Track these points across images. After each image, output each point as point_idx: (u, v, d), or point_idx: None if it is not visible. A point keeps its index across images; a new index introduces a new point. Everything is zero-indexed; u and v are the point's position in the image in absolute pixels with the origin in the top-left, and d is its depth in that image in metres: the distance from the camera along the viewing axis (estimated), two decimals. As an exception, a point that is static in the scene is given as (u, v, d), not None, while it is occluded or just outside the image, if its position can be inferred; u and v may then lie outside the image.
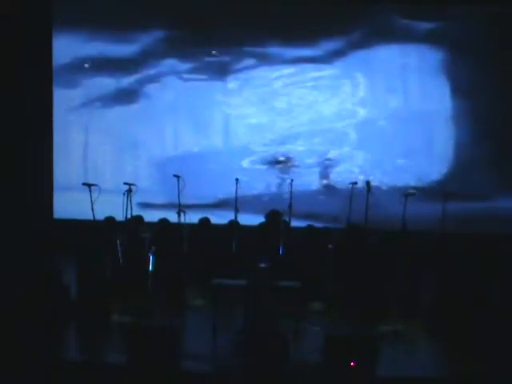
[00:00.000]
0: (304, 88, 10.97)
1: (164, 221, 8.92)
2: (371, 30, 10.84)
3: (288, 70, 10.95)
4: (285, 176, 10.60)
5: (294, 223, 9.50)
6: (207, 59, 11.03)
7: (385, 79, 10.95)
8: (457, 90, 10.86)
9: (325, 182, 10.95)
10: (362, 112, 11.04)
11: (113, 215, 8.69)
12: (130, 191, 8.55)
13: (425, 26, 10.84)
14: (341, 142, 11.01)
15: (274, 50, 10.92)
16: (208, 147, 11.07)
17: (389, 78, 10.95)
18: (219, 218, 9.51)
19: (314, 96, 10.98)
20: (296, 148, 10.99)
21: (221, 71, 11.01)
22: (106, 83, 11.12)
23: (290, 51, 10.93)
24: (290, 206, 9.22)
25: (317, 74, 10.93)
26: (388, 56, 10.90)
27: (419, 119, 10.97)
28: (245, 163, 10.93)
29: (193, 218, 8.77)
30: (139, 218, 8.82)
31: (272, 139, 11.00)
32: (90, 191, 7.73)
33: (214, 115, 11.05)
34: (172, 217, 8.85)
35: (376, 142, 10.93)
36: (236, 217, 9.12)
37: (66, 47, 10.99)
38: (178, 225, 8.75)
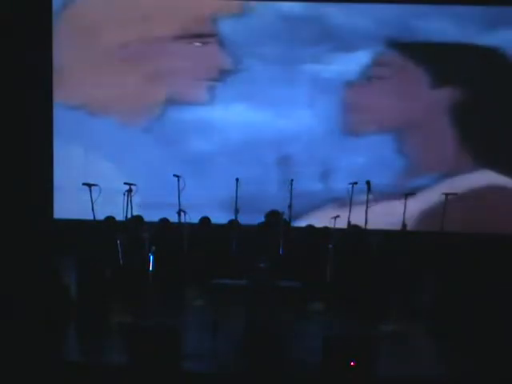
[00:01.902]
0: (304, 88, 10.95)
1: (164, 221, 8.93)
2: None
3: (287, 69, 10.93)
4: (285, 176, 10.55)
5: (294, 223, 9.53)
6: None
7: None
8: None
9: (324, 182, 10.94)
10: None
11: (113, 215, 8.71)
12: (130, 191, 8.57)
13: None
14: (341, 142, 11.00)
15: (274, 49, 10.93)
16: (208, 147, 11.05)
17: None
18: (219, 218, 9.49)
19: (314, 97, 10.97)
20: (296, 148, 10.98)
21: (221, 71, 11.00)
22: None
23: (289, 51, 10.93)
24: (290, 206, 9.22)
25: (316, 74, 10.93)
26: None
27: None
28: (245, 163, 10.92)
29: (193, 217, 8.77)
30: (139, 218, 8.83)
31: (272, 139, 10.99)
32: (90, 191, 7.75)
33: (213, 115, 11.03)
34: (172, 217, 8.85)
35: (375, 141, 10.91)
36: (236, 217, 9.13)
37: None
38: (178, 225, 8.76)
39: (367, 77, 10.81)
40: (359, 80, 10.84)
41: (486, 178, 10.67)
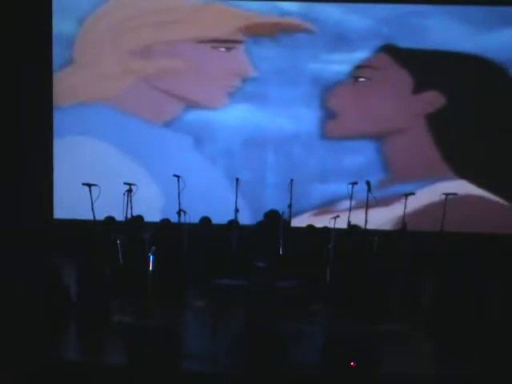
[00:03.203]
0: (306, 86, 10.94)
1: (164, 221, 8.93)
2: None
3: (286, 69, 10.93)
4: (285, 176, 10.51)
5: (294, 223, 9.52)
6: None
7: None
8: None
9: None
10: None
11: (113, 215, 8.71)
12: (130, 191, 8.56)
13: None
14: (337, 143, 11.01)
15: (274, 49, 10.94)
16: (208, 147, 11.06)
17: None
18: (219, 218, 9.48)
19: (312, 97, 10.96)
20: (296, 148, 10.98)
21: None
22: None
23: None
24: (290, 206, 9.23)
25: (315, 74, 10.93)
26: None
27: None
28: (245, 163, 10.92)
29: (193, 217, 8.76)
30: (139, 218, 8.83)
31: (271, 139, 10.99)
32: (90, 191, 7.74)
33: (214, 115, 11.03)
34: (172, 217, 8.85)
35: (368, 144, 10.94)
36: (236, 217, 9.13)
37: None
38: (178, 225, 8.75)
39: (358, 78, 10.83)
40: (353, 81, 10.85)
41: (463, 187, 10.66)
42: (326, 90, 10.86)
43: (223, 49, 10.84)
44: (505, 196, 10.81)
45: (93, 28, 10.95)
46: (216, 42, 10.84)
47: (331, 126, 10.94)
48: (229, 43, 10.83)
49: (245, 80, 10.90)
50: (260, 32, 10.84)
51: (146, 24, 10.86)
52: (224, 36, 10.84)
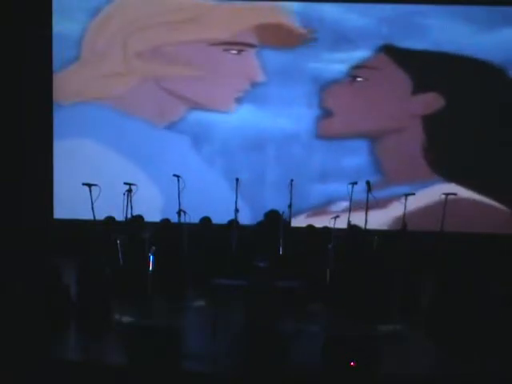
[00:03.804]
0: (304, 86, 10.94)
1: (164, 221, 8.93)
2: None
3: (286, 69, 10.93)
4: (285, 176, 10.52)
5: (294, 223, 9.53)
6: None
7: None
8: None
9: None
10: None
11: (113, 215, 8.71)
12: (130, 191, 8.57)
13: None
14: (342, 141, 11.01)
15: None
16: (208, 146, 11.06)
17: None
18: (219, 218, 9.49)
19: (312, 96, 10.97)
20: (296, 148, 10.98)
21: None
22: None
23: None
24: (290, 206, 9.23)
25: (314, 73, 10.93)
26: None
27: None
28: (244, 162, 10.92)
29: (193, 217, 8.77)
30: (139, 218, 8.84)
31: (271, 139, 10.99)
32: (90, 191, 7.75)
33: (213, 116, 11.03)
34: (172, 217, 8.86)
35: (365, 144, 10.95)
36: (236, 217, 9.13)
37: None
38: (178, 225, 8.76)
39: (357, 77, 10.83)
40: (351, 80, 10.85)
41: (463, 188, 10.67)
42: (326, 90, 10.87)
43: (234, 51, 10.83)
44: (502, 200, 10.81)
45: (101, 28, 10.95)
46: (227, 44, 10.82)
47: (329, 125, 10.94)
48: (239, 46, 10.82)
49: (254, 84, 10.89)
50: (262, 32, 10.84)
51: (154, 24, 10.86)
52: (231, 37, 10.82)
